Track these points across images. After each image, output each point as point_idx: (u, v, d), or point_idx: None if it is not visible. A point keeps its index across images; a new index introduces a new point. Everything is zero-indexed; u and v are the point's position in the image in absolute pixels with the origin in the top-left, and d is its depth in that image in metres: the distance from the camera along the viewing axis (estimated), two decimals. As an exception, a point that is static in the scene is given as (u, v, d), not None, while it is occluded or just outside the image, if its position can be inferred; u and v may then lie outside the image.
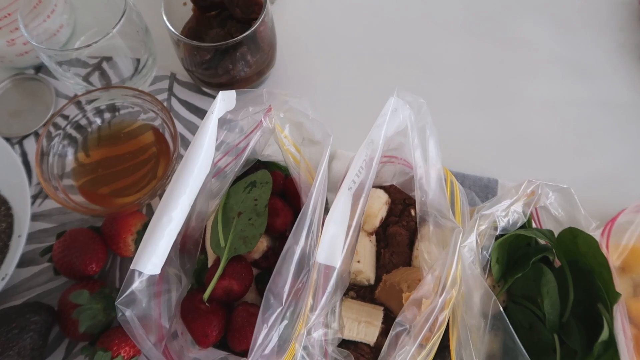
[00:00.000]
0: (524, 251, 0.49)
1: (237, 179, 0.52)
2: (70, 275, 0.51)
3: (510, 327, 0.39)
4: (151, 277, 0.39)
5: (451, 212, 0.42)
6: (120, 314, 0.36)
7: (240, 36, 0.54)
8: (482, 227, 0.43)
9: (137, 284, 0.37)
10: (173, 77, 0.66)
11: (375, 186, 0.55)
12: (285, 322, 0.37)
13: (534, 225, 0.50)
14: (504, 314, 0.39)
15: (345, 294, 0.51)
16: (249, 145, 0.47)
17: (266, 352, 0.36)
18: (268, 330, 0.34)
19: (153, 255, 0.38)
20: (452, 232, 0.40)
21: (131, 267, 0.37)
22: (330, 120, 0.63)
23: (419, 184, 0.44)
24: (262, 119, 0.45)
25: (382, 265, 0.51)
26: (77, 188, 0.56)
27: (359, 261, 0.49)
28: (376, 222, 0.51)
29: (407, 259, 0.51)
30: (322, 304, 0.39)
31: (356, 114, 0.59)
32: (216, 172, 0.50)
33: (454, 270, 0.39)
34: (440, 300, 0.38)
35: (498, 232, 0.44)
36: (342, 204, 0.42)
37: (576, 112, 0.63)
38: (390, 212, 0.53)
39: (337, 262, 0.40)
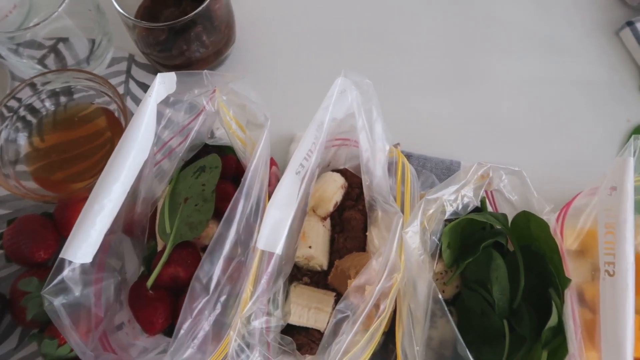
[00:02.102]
0: (479, 236, 0.47)
1: (188, 163, 0.51)
2: (20, 262, 0.51)
3: (449, 314, 0.38)
4: (85, 265, 0.38)
5: (392, 196, 0.40)
6: (47, 304, 0.35)
7: (191, 14, 0.52)
8: (430, 212, 0.42)
9: (67, 273, 0.37)
10: (131, 59, 0.64)
11: (333, 170, 0.54)
12: (218, 311, 0.36)
13: (490, 208, 0.49)
14: (442, 301, 0.38)
15: (299, 280, 0.50)
16: (194, 129, 0.46)
17: (197, 341, 0.35)
18: (193, 320, 0.34)
19: (84, 244, 0.37)
20: (393, 217, 0.39)
21: (60, 255, 0.36)
22: (291, 101, 0.62)
23: (366, 167, 0.43)
24: (205, 102, 0.44)
25: (336, 251, 0.50)
26: (30, 174, 0.55)
27: (310, 246, 0.48)
28: (330, 207, 0.50)
29: (361, 244, 0.50)
30: (259, 291, 0.38)
31: (319, 94, 0.57)
32: (168, 152, 0.49)
33: (394, 256, 0.38)
34: (377, 288, 0.37)
35: (447, 217, 0.43)
36: (285, 188, 0.41)
37: (548, 91, 0.61)
38: (346, 196, 0.52)
39: (278, 249, 0.39)
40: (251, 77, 0.63)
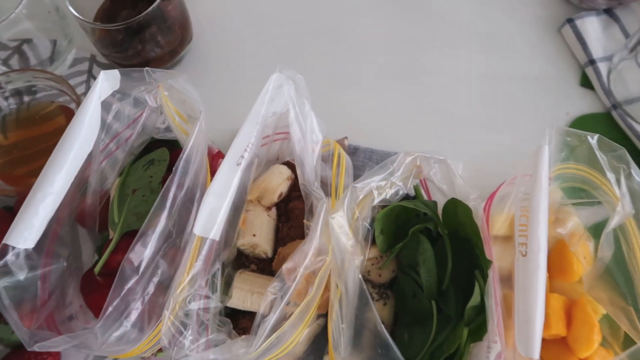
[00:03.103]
0: (413, 222, 0.50)
1: (140, 157, 0.53)
2: (-21, 253, 0.53)
3: (370, 297, 0.40)
4: (29, 251, 0.40)
5: (317, 184, 0.43)
6: (-12, 286, 0.37)
7: (140, 15, 0.55)
8: (359, 199, 0.44)
9: (10, 258, 0.39)
10: (93, 59, 0.67)
11: (282, 163, 0.56)
12: (151, 291, 0.38)
13: (425, 197, 0.51)
14: (364, 285, 0.41)
15: (247, 267, 0.52)
16: (140, 123, 0.48)
17: (130, 319, 0.37)
18: (121, 299, 0.36)
19: (26, 231, 0.39)
20: (318, 202, 0.41)
21: (3, 241, 0.39)
22: (246, 97, 0.64)
23: (299, 158, 0.46)
24: (149, 97, 0.46)
25: (281, 239, 0.52)
26: (-8, 170, 0.58)
27: (254, 235, 0.50)
28: (274, 197, 0.52)
29: (304, 233, 0.52)
30: (194, 273, 0.41)
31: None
32: (120, 144, 0.51)
33: (319, 239, 0.41)
34: (301, 269, 0.40)
35: (375, 203, 0.45)
36: (222, 177, 0.43)
37: (491, 86, 0.64)
38: (293, 187, 0.55)
39: (212, 234, 0.42)
40: (208, 75, 0.66)
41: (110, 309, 0.36)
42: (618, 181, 0.41)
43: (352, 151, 0.60)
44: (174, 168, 0.40)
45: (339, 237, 0.42)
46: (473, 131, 0.62)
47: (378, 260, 0.49)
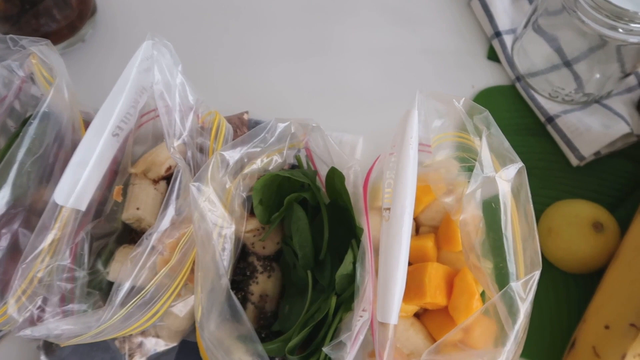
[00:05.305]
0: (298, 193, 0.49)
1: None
2: None
3: (224, 274, 0.39)
4: None
5: (189, 153, 0.42)
6: None
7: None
8: (230, 166, 0.43)
9: None
10: (-5, 36, 0.65)
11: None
12: (-3, 260, 0.37)
13: (311, 166, 0.51)
14: (220, 257, 0.40)
15: (135, 242, 0.51)
16: (11, 94, 0.47)
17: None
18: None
19: None
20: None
21: None
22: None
23: (166, 127, 0.45)
24: (14, 66, 0.45)
25: (169, 213, 0.51)
26: None
27: (138, 208, 0.49)
28: (161, 171, 0.51)
29: (194, 206, 0.51)
30: (49, 243, 0.40)
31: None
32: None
33: (172, 207, 0.40)
34: (155, 236, 0.39)
35: (245, 172, 0.45)
36: (86, 146, 0.43)
37: (398, 60, 0.63)
38: (186, 161, 0.54)
39: (73, 203, 0.41)
40: (114, 51, 0.65)
41: None
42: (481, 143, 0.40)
43: (253, 125, 0.58)
44: (21, 133, 0.39)
45: (200, 205, 0.41)
46: (377, 105, 0.61)
47: (260, 231, 0.48)
